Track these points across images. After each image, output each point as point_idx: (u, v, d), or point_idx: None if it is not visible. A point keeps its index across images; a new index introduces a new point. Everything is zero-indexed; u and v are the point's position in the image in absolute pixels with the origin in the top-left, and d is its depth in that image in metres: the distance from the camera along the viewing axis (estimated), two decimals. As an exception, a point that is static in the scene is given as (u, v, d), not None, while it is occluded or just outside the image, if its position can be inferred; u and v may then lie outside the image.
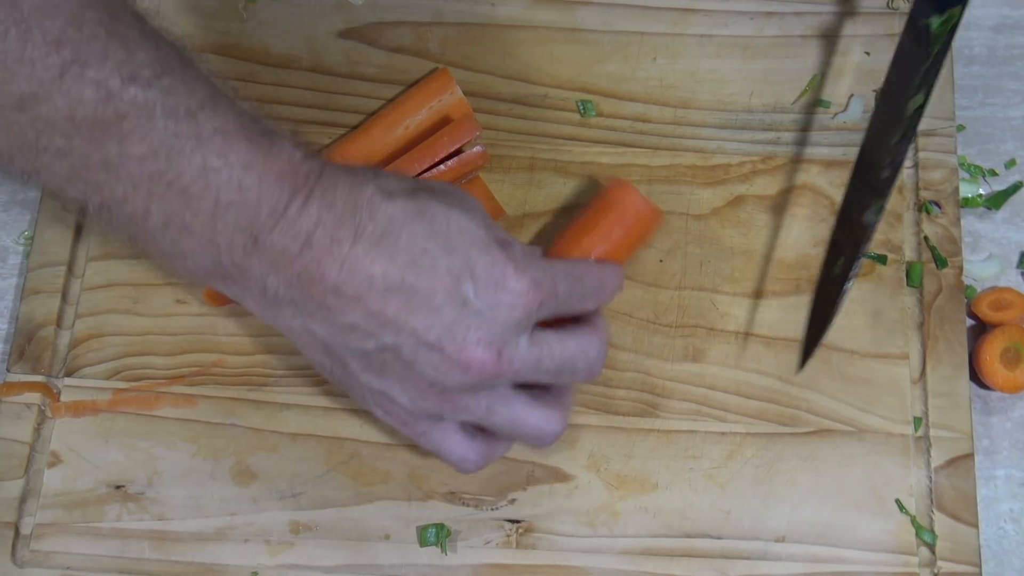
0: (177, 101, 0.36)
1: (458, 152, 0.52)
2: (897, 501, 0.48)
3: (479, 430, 0.44)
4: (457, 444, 0.44)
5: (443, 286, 0.38)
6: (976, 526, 0.48)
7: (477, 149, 0.52)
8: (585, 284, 0.43)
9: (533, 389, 0.43)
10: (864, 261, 0.52)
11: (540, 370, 0.41)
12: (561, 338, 0.42)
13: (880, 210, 0.46)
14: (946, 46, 0.45)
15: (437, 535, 0.48)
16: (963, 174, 0.55)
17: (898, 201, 0.53)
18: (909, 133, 0.46)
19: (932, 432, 0.49)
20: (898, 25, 0.56)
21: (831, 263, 0.48)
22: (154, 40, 0.36)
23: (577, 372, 0.43)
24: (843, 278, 0.47)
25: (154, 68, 0.35)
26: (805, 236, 0.53)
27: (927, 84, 0.45)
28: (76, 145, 0.35)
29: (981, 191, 0.55)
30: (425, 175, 0.52)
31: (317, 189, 0.37)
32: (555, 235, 0.48)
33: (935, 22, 0.44)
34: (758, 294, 0.52)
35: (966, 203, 0.54)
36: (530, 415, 0.42)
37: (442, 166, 0.52)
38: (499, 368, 0.39)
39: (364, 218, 0.38)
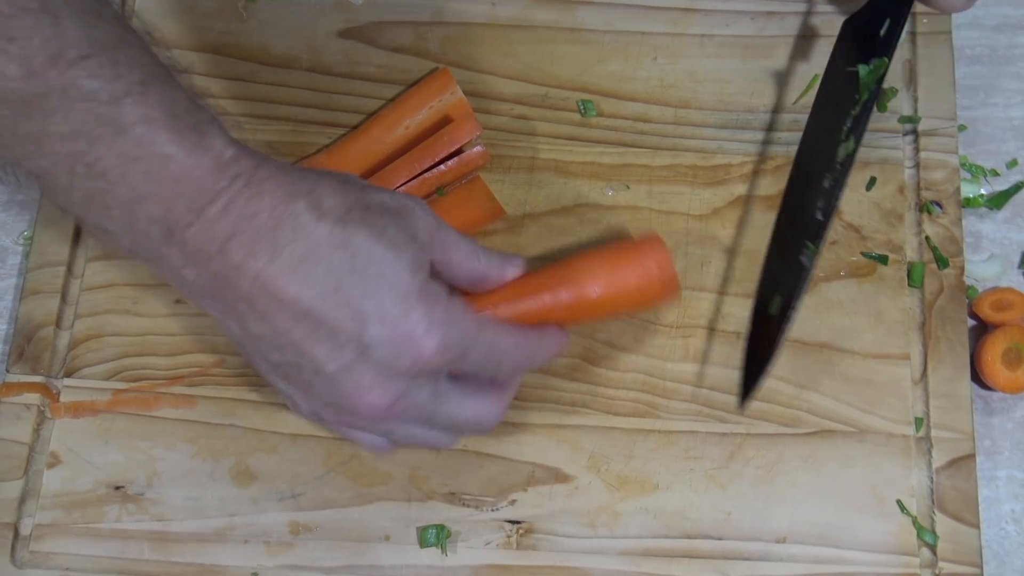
0: (101, 85, 0.34)
1: (458, 152, 0.52)
2: (898, 502, 0.48)
3: None
4: (364, 436, 0.43)
5: (349, 327, 0.37)
6: (977, 527, 0.48)
7: (477, 149, 0.52)
8: (504, 361, 0.42)
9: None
10: (864, 262, 0.52)
11: (430, 422, 0.41)
12: (462, 399, 0.42)
13: (815, 253, 0.46)
14: (874, 94, 0.46)
15: (437, 536, 0.48)
16: (964, 174, 0.55)
17: (899, 201, 0.53)
18: (841, 179, 0.46)
19: (933, 433, 0.49)
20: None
21: (765, 298, 0.48)
22: (93, 19, 0.35)
23: (463, 432, 0.43)
24: (782, 319, 0.46)
25: (82, 49, 0.34)
26: (806, 236, 0.53)
27: (857, 131, 0.46)
28: (4, 115, 0.34)
29: (982, 191, 0.55)
30: (425, 175, 0.51)
31: (242, 195, 0.36)
32: (564, 256, 0.46)
33: (863, 70, 0.46)
34: (759, 294, 0.52)
35: (967, 203, 0.54)
36: (427, 438, 0.43)
37: (442, 166, 0.51)
38: (388, 414, 0.39)
39: (285, 237, 0.36)
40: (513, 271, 0.44)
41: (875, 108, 0.54)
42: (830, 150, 0.47)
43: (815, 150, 0.48)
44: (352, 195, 0.38)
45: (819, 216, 0.46)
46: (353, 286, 0.37)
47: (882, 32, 0.48)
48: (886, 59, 0.47)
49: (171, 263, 0.37)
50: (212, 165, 0.36)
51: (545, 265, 0.45)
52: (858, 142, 0.46)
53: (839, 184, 0.46)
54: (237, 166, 0.37)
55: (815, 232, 0.46)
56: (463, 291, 0.43)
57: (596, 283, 0.43)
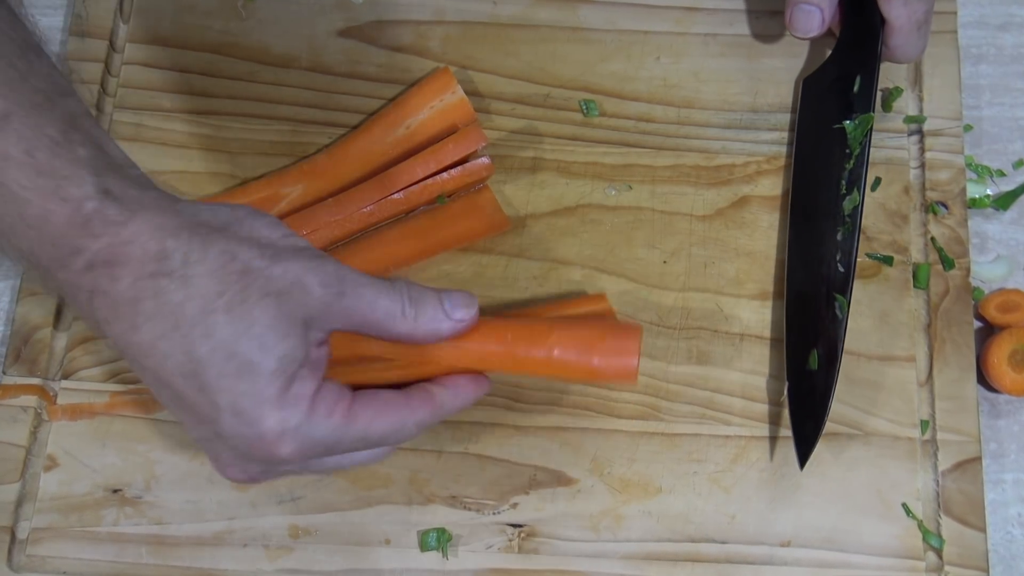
0: None
1: (463, 161, 0.51)
2: (904, 505, 0.48)
3: None
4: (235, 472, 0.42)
5: (204, 412, 0.36)
6: (984, 530, 0.48)
7: (483, 160, 0.52)
8: (387, 439, 0.39)
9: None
10: (869, 263, 0.52)
11: (308, 469, 0.39)
12: (340, 460, 0.39)
13: (846, 305, 0.47)
14: (865, 147, 0.49)
15: (438, 540, 0.48)
16: (970, 174, 0.54)
17: (905, 202, 0.53)
18: (853, 229, 0.48)
19: (939, 435, 0.49)
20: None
21: (800, 353, 0.48)
22: None
23: (343, 468, 0.41)
24: (828, 373, 0.47)
25: None
26: (810, 237, 0.52)
27: (857, 184, 0.49)
28: None
29: (989, 192, 0.54)
30: (427, 181, 0.51)
31: (101, 258, 0.34)
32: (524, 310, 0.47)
33: (850, 127, 0.48)
34: (763, 296, 0.51)
35: (973, 204, 0.54)
36: (339, 464, 0.40)
37: (445, 174, 0.51)
38: (253, 482, 0.39)
39: (145, 311, 0.34)
40: (451, 326, 0.39)
41: (883, 110, 0.54)
42: (834, 205, 0.49)
43: (819, 205, 0.50)
44: (231, 270, 0.35)
45: (840, 268, 0.48)
46: (211, 379, 0.35)
47: (855, 89, 0.50)
48: (871, 113, 0.49)
49: (59, 290, 0.36)
50: (69, 218, 0.34)
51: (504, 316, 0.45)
52: (862, 195, 0.49)
53: (854, 236, 0.48)
54: (99, 222, 0.34)
55: (841, 285, 0.48)
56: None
57: (560, 350, 0.41)
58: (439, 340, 0.40)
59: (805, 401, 0.47)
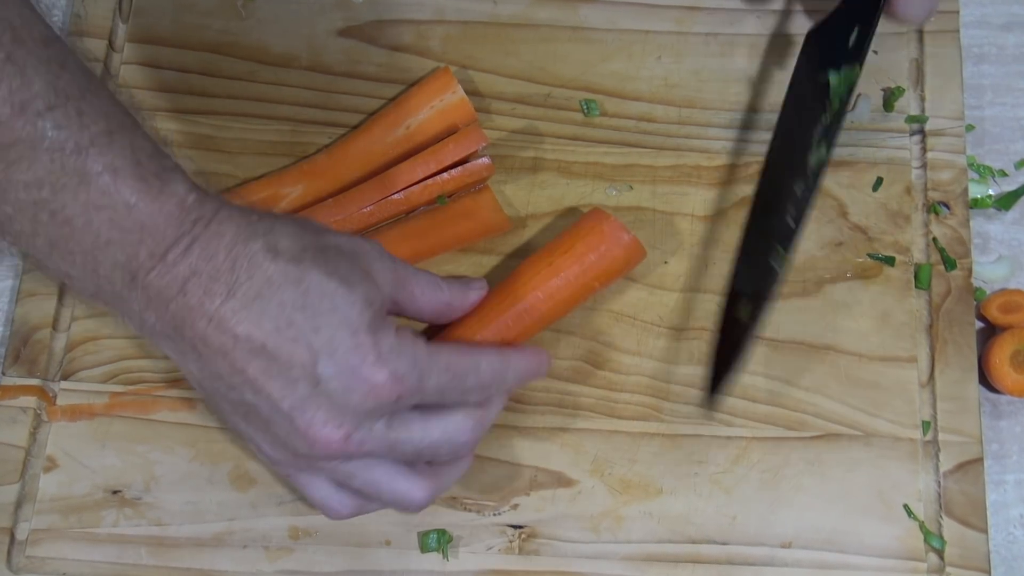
0: (68, 135, 0.35)
1: (463, 161, 0.51)
2: (905, 506, 0.48)
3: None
4: (322, 491, 0.43)
5: (301, 361, 0.38)
6: (985, 531, 0.48)
7: (484, 160, 0.51)
8: (468, 382, 0.42)
9: None
10: (870, 263, 0.52)
11: (395, 452, 0.41)
12: (426, 423, 0.41)
13: (784, 258, 0.46)
14: (845, 102, 0.47)
15: (438, 541, 0.48)
16: (972, 174, 0.54)
17: (906, 202, 0.53)
18: (812, 185, 0.47)
19: (941, 436, 0.49)
20: (906, 23, 0.55)
21: (733, 303, 0.48)
22: (57, 67, 0.36)
23: (439, 456, 0.42)
24: (751, 324, 0.47)
25: (48, 99, 0.35)
26: (812, 237, 0.52)
27: (828, 139, 0.47)
28: None
29: (991, 192, 0.54)
30: (427, 181, 0.51)
31: (203, 237, 0.37)
32: (523, 261, 0.48)
33: (833, 78, 0.46)
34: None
35: (975, 204, 0.54)
36: (393, 483, 0.41)
37: (446, 174, 0.51)
38: (345, 448, 0.39)
39: (241, 276, 0.37)
40: (476, 295, 0.46)
41: (884, 110, 0.54)
42: (800, 157, 0.48)
43: (785, 157, 0.49)
44: (308, 237, 0.39)
45: (790, 222, 0.47)
46: (304, 321, 0.38)
47: (851, 41, 0.48)
48: (857, 67, 0.47)
49: (132, 307, 0.38)
50: (175, 210, 0.37)
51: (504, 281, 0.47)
52: (830, 150, 0.47)
53: (811, 190, 0.47)
54: (199, 210, 0.38)
55: (785, 237, 0.47)
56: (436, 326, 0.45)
57: (558, 276, 0.46)
58: (466, 307, 0.45)
59: (726, 348, 0.48)
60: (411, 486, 0.42)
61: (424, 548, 0.48)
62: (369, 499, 0.43)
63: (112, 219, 0.36)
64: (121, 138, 0.37)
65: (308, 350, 0.38)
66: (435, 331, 0.47)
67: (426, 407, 0.41)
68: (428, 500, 0.42)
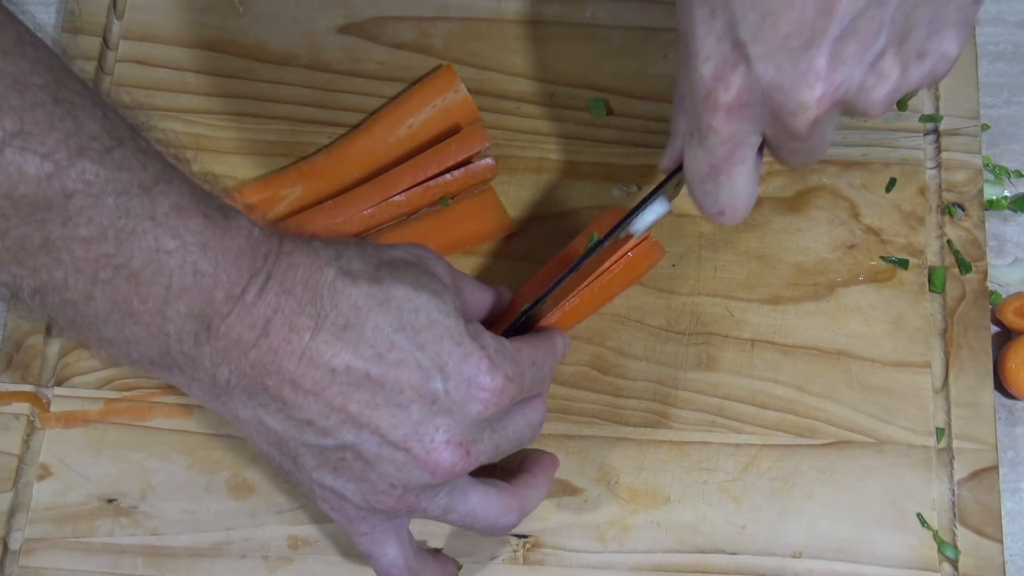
0: (131, 176, 0.33)
1: (466, 162, 0.51)
2: (919, 515, 0.47)
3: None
4: (392, 548, 0.42)
5: (412, 382, 0.36)
6: (1000, 541, 0.47)
7: (487, 161, 0.51)
8: (545, 368, 0.42)
9: (486, 477, 0.42)
10: (884, 266, 0.51)
11: (498, 453, 0.40)
12: (511, 416, 0.40)
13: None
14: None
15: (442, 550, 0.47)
16: (987, 175, 0.53)
17: (920, 203, 0.52)
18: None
19: (955, 443, 0.48)
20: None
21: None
22: (103, 109, 0.33)
23: (525, 441, 0.42)
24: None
25: (104, 141, 0.32)
26: (823, 239, 0.51)
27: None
28: (13, 225, 0.31)
29: (1006, 193, 0.54)
30: (429, 183, 0.50)
31: (276, 271, 0.35)
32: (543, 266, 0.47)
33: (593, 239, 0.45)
34: (775, 300, 0.51)
35: (991, 205, 0.53)
36: (487, 509, 0.41)
37: (448, 175, 0.50)
38: (467, 466, 0.38)
39: (326, 306, 0.35)
40: (506, 297, 0.46)
41: (898, 108, 0.53)
42: None
43: None
44: (372, 254, 0.38)
45: None
46: (406, 341, 0.36)
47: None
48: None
49: (203, 364, 0.35)
50: (244, 246, 0.35)
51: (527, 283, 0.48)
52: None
53: None
54: (267, 243, 0.35)
55: None
56: None
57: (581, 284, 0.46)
58: (502, 307, 0.46)
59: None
60: (505, 508, 0.42)
61: (427, 558, 0.47)
62: (438, 565, 0.44)
63: (183, 263, 0.33)
64: (178, 175, 0.34)
65: (417, 369, 0.36)
66: None
67: None
68: (516, 523, 0.42)
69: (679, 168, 0.41)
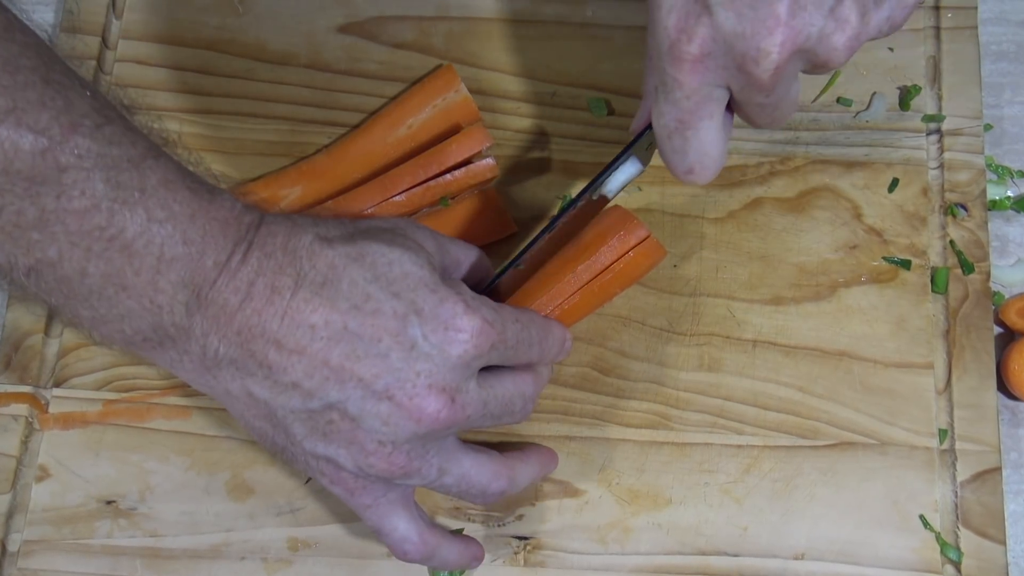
0: (121, 152, 0.35)
1: (467, 162, 0.51)
2: (921, 517, 0.47)
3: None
4: (402, 521, 0.42)
5: (389, 330, 0.37)
6: (1003, 543, 0.47)
7: (487, 161, 0.51)
8: (532, 331, 0.42)
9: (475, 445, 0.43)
10: (886, 266, 0.51)
11: (486, 414, 0.40)
12: (499, 378, 0.41)
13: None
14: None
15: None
16: (990, 175, 0.53)
17: (923, 203, 0.52)
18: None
19: (958, 445, 0.48)
20: (923, 20, 0.54)
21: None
22: (91, 90, 0.35)
23: (515, 413, 0.42)
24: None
25: (94, 118, 0.34)
26: (825, 240, 0.51)
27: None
28: (8, 201, 0.33)
29: (1009, 193, 0.53)
30: (430, 183, 0.50)
31: (257, 238, 0.37)
32: (537, 254, 0.46)
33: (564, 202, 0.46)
34: (777, 301, 0.50)
35: (993, 206, 0.53)
36: (479, 472, 0.42)
37: (448, 176, 0.50)
38: (452, 415, 0.38)
39: (304, 266, 0.37)
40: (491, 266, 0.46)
41: (900, 108, 0.53)
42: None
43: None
44: (350, 224, 0.40)
45: None
46: (380, 292, 0.37)
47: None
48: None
49: (193, 334, 0.37)
50: (228, 216, 0.37)
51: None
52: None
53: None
54: (249, 215, 0.38)
55: None
56: None
57: (581, 285, 0.45)
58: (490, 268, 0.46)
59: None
60: (496, 473, 0.42)
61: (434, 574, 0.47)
62: (451, 539, 0.44)
63: (174, 233, 0.35)
64: (163, 153, 0.36)
65: (393, 317, 0.37)
66: None
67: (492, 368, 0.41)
68: (507, 490, 0.43)
69: (649, 126, 0.41)
